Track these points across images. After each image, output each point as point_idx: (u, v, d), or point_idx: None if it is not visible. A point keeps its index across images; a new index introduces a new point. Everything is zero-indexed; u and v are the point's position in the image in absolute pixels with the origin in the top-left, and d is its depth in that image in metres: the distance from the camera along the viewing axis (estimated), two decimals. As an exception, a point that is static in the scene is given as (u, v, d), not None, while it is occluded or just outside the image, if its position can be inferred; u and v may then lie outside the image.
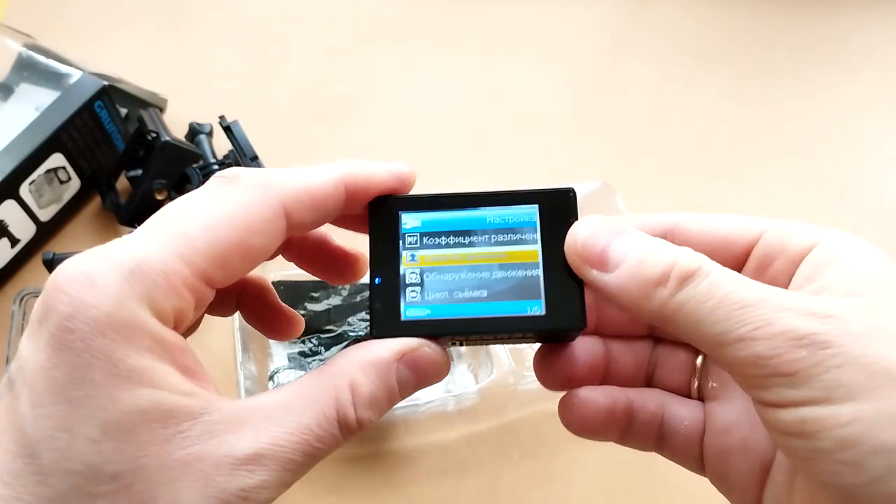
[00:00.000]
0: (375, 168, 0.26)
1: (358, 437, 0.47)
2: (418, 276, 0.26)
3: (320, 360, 0.48)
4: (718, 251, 0.26)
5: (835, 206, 0.58)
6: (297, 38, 0.67)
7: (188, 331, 0.28)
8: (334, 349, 0.48)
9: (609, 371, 0.29)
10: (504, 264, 0.26)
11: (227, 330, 0.47)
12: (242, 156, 0.54)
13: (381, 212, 0.26)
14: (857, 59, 0.66)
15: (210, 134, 0.58)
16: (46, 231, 0.55)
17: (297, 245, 0.29)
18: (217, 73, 0.65)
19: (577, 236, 0.25)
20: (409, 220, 0.26)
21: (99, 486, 0.20)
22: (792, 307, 0.21)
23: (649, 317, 0.23)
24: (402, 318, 0.25)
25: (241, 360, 0.45)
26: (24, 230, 0.53)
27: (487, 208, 0.26)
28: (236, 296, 0.30)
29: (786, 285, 0.24)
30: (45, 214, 0.54)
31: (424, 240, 0.26)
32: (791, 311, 0.21)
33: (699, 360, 0.29)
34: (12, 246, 0.52)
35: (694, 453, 0.28)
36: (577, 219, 0.26)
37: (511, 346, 0.47)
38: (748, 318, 0.21)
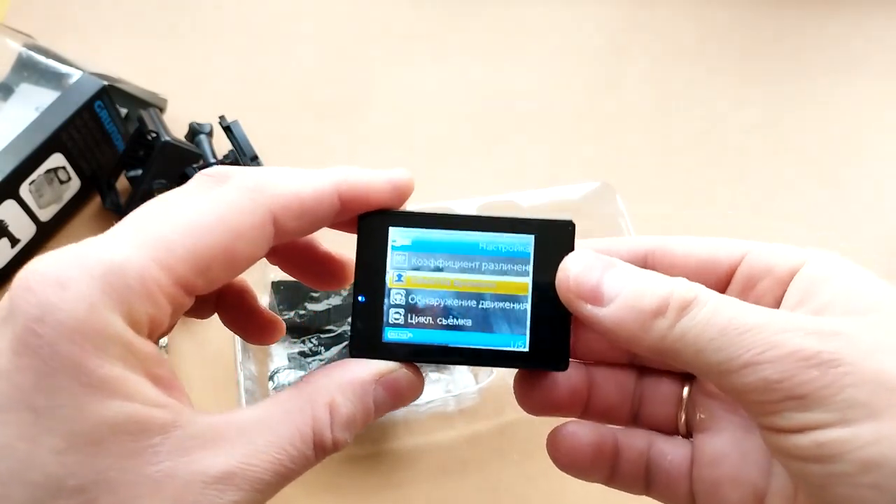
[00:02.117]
0: (373, 177, 0.25)
1: (358, 437, 0.47)
2: (403, 298, 0.25)
3: (320, 360, 0.48)
4: (702, 273, 0.25)
5: (835, 205, 0.58)
6: (297, 38, 0.67)
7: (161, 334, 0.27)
8: (334, 349, 0.48)
9: (592, 399, 0.28)
10: (492, 294, 0.25)
11: (228, 330, 0.47)
12: (242, 156, 0.54)
13: (370, 226, 0.25)
14: (857, 60, 0.66)
15: (210, 134, 0.58)
16: (46, 231, 0.55)
17: (282, 249, 0.28)
18: (217, 73, 0.65)
19: (569, 272, 0.23)
20: (399, 238, 0.25)
21: (60, 499, 0.19)
22: (797, 328, 0.20)
23: (649, 349, 0.22)
24: (383, 339, 0.25)
25: (241, 360, 0.45)
26: (24, 230, 0.53)
27: (482, 233, 0.25)
28: (214, 298, 0.28)
29: (774, 306, 0.24)
30: (45, 214, 0.54)
31: (413, 260, 0.25)
32: (796, 332, 0.20)
33: (685, 391, 0.28)
34: (12, 246, 0.52)
35: (683, 490, 0.27)
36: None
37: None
38: (753, 342, 0.20)
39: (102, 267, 0.20)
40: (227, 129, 0.55)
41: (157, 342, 0.21)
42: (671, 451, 0.27)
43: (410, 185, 0.25)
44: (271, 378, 0.47)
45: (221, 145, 0.57)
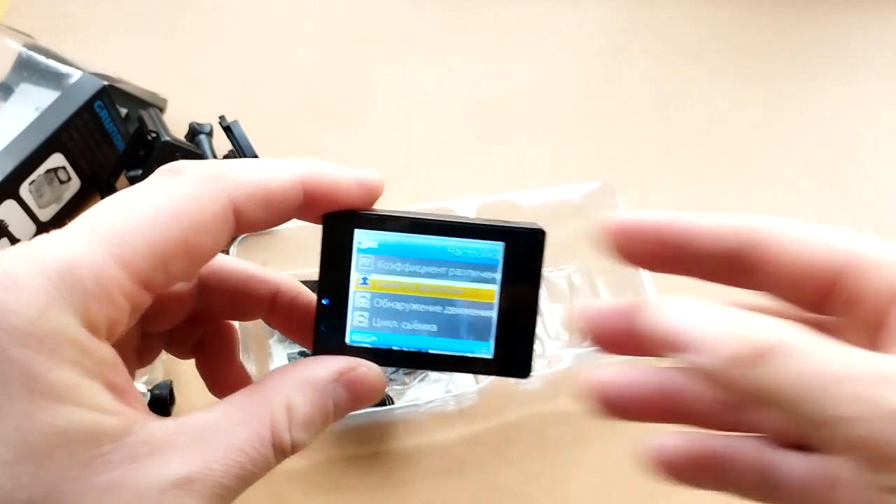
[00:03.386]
0: (341, 174, 0.24)
1: (358, 438, 0.47)
2: (368, 301, 0.24)
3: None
4: (797, 288, 0.23)
5: (835, 205, 0.58)
6: (297, 37, 0.67)
7: (142, 364, 0.26)
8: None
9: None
10: (458, 300, 0.24)
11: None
12: (242, 156, 0.54)
13: (335, 227, 0.24)
14: (856, 59, 0.66)
15: (210, 134, 0.58)
16: (46, 231, 0.54)
17: (284, 312, 0.27)
18: (217, 73, 0.65)
19: (658, 322, 0.21)
20: (365, 240, 0.24)
21: None
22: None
23: (739, 396, 0.21)
24: (347, 342, 0.24)
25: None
26: (24, 230, 0.53)
27: (450, 238, 0.24)
28: (195, 340, 0.27)
29: (880, 335, 0.21)
30: (45, 214, 0.54)
31: (379, 263, 0.24)
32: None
33: None
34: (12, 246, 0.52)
35: None
36: (541, 263, 0.24)
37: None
38: (850, 394, 0.18)
39: (57, 265, 0.19)
40: (227, 129, 0.55)
41: (114, 343, 0.20)
42: (786, 461, 0.24)
43: (380, 187, 0.24)
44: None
45: (221, 145, 0.57)
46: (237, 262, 0.27)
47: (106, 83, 0.54)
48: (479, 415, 0.47)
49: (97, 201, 0.57)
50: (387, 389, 0.46)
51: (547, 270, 0.52)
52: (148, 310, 0.22)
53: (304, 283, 0.27)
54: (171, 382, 0.46)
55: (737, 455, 0.24)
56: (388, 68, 0.65)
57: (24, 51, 0.55)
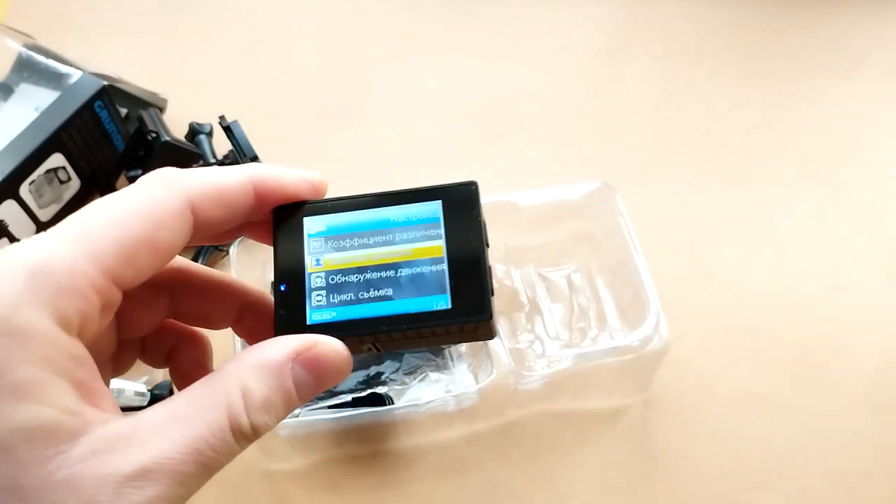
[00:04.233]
0: (286, 172, 0.25)
1: (358, 438, 0.47)
2: (323, 280, 0.25)
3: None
4: None
5: (834, 205, 0.58)
6: (297, 37, 0.67)
7: (117, 372, 0.27)
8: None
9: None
10: (410, 261, 0.25)
11: (227, 330, 0.47)
12: (242, 156, 0.54)
13: (285, 218, 0.26)
14: (856, 59, 0.66)
15: (210, 134, 0.58)
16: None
17: (250, 321, 0.28)
18: (217, 73, 0.65)
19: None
20: (314, 225, 0.26)
21: None
22: None
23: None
24: (308, 322, 0.25)
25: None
26: (24, 230, 0.53)
27: (391, 207, 0.26)
28: (168, 349, 0.28)
29: None
30: (45, 214, 0.54)
31: (329, 244, 0.26)
32: None
33: None
34: (12, 246, 0.52)
35: None
36: (479, 211, 0.26)
37: (501, 346, 0.47)
38: None
39: (29, 264, 0.19)
40: (227, 129, 0.55)
41: (89, 345, 0.21)
42: None
43: (324, 185, 0.26)
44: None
45: (221, 145, 0.57)
46: (206, 272, 0.28)
47: (106, 83, 0.54)
48: (479, 415, 0.47)
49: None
50: (387, 389, 0.46)
51: (547, 270, 0.52)
52: (120, 314, 0.23)
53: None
54: (170, 382, 0.46)
55: None
56: (388, 68, 0.65)
57: (24, 51, 0.55)
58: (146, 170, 0.53)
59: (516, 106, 0.63)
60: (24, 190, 0.51)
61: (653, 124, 0.62)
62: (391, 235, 0.26)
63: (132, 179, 0.55)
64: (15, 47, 0.55)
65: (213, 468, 0.21)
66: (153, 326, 0.27)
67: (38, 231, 0.53)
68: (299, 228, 0.26)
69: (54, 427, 0.19)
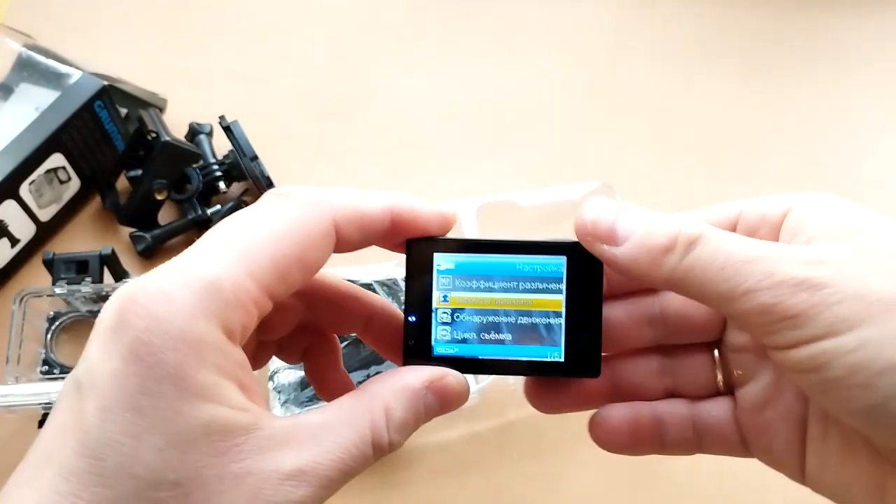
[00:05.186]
0: (422, 205, 0.27)
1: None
2: (449, 316, 0.27)
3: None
4: None
5: (835, 206, 0.57)
6: (297, 37, 0.67)
7: (255, 367, 0.29)
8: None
9: (620, 387, 0.30)
10: (529, 311, 0.27)
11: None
12: (242, 156, 0.54)
13: (417, 252, 0.28)
14: (856, 58, 0.66)
15: (210, 134, 0.58)
16: (46, 231, 0.55)
17: (376, 330, 0.30)
18: (217, 73, 0.65)
19: (587, 216, 0.26)
20: (444, 262, 0.28)
21: (159, 491, 0.21)
22: (788, 258, 0.23)
23: (662, 283, 0.25)
24: (433, 354, 0.27)
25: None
26: (24, 230, 0.53)
27: (518, 255, 0.28)
28: (302, 349, 0.31)
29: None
30: (45, 214, 0.54)
31: (457, 282, 0.28)
32: (789, 262, 0.23)
33: (716, 353, 0.30)
34: (12, 246, 0.52)
35: (734, 439, 0.29)
36: (601, 271, 0.27)
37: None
38: (751, 272, 0.23)
39: (202, 282, 0.22)
40: (227, 129, 0.55)
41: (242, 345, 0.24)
42: (714, 408, 0.29)
43: (454, 218, 0.28)
44: (271, 378, 0.47)
45: (221, 145, 0.57)
46: (341, 284, 0.30)
47: (106, 83, 0.54)
48: (479, 415, 0.47)
49: (97, 201, 0.58)
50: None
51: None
52: (264, 321, 0.25)
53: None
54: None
55: (671, 412, 0.29)
56: (389, 68, 0.65)
57: (24, 51, 0.55)
58: (146, 170, 0.53)
59: (516, 106, 0.63)
60: (24, 190, 0.51)
61: (653, 124, 0.62)
62: (515, 283, 0.27)
63: (132, 179, 0.55)
64: (15, 47, 0.55)
65: (350, 476, 0.24)
66: (289, 329, 0.30)
67: (37, 231, 0.53)
68: (430, 263, 0.28)
69: (230, 423, 0.22)
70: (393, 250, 0.28)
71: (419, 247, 0.28)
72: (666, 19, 0.68)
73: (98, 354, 0.21)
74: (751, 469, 0.47)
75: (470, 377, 0.47)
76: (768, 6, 0.68)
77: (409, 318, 0.27)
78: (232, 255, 0.23)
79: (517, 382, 0.46)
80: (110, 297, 0.22)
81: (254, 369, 0.29)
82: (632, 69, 0.65)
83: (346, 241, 0.26)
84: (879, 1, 0.68)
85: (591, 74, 0.65)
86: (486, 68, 0.65)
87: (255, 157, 0.54)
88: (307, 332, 0.31)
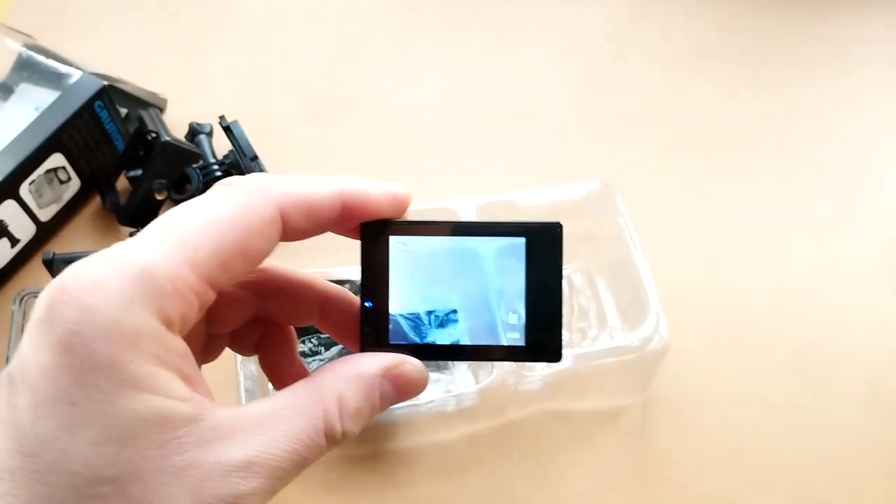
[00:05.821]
0: (373, 187, 0.26)
1: (358, 438, 0.47)
2: (406, 301, 0.27)
3: (320, 360, 0.48)
4: None
5: (834, 205, 0.58)
6: (297, 38, 0.67)
7: (206, 360, 0.29)
8: (334, 349, 0.48)
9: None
10: (489, 294, 0.27)
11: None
12: (242, 156, 0.54)
13: (372, 235, 0.27)
14: (856, 58, 0.66)
15: (210, 134, 0.58)
16: (46, 231, 0.55)
17: (333, 318, 0.30)
18: (217, 73, 0.65)
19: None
20: (399, 246, 0.27)
21: (96, 487, 0.20)
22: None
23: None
24: (390, 341, 0.27)
25: (242, 360, 0.45)
26: (24, 230, 0.53)
27: (476, 238, 0.27)
28: (256, 340, 0.30)
29: None
30: (45, 214, 0.54)
31: (414, 265, 0.27)
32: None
33: None
34: (12, 246, 0.52)
35: None
36: (561, 254, 0.27)
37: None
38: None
39: (136, 269, 0.21)
40: (227, 129, 0.55)
41: (184, 335, 0.23)
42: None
43: (408, 199, 0.27)
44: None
45: (221, 145, 0.57)
46: (293, 273, 0.29)
47: (106, 83, 0.54)
48: (479, 415, 0.47)
49: (97, 201, 0.58)
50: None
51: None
52: (213, 312, 0.24)
53: (336, 281, 0.30)
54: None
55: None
56: (389, 68, 0.65)
57: (24, 51, 0.55)
58: (146, 170, 0.53)
59: (516, 106, 0.63)
60: (24, 190, 0.51)
61: (653, 124, 0.62)
62: (473, 266, 0.27)
63: (132, 179, 0.55)
64: (15, 47, 0.55)
65: (303, 466, 0.23)
66: (241, 322, 0.29)
67: (37, 231, 0.53)
68: (385, 247, 0.27)
69: (169, 414, 0.21)
70: (349, 237, 0.27)
71: (373, 230, 0.27)
72: (666, 20, 0.68)
73: (29, 348, 0.21)
74: (751, 469, 0.47)
75: (470, 377, 0.48)
76: (768, 7, 0.68)
77: (366, 304, 0.27)
78: (168, 243, 0.22)
79: (517, 382, 0.46)
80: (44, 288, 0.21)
81: (205, 362, 0.29)
82: (632, 69, 0.65)
83: (293, 228, 0.25)
84: (879, 1, 0.68)
85: (592, 74, 0.65)
86: (487, 68, 0.65)
87: (255, 157, 0.54)
88: (260, 324, 0.30)
